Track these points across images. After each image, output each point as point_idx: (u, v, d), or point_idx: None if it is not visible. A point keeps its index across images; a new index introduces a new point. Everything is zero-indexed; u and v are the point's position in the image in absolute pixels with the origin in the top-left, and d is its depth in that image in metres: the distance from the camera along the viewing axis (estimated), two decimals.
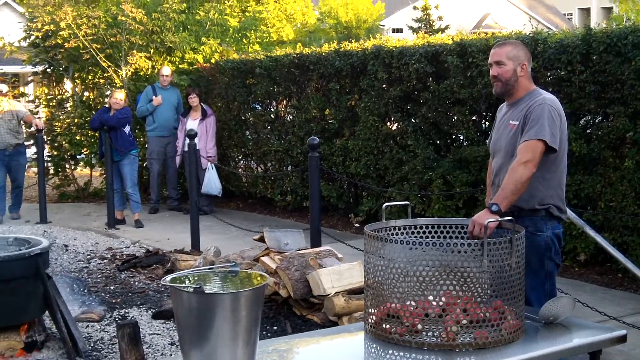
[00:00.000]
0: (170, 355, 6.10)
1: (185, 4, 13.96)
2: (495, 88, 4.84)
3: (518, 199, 4.47)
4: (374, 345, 3.79)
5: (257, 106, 13.46)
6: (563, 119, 4.63)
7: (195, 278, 3.62)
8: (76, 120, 14.23)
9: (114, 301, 7.71)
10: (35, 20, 14.11)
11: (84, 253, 9.92)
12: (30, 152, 13.32)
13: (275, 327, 6.81)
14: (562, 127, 4.61)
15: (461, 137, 9.99)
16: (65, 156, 14.56)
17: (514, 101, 4.77)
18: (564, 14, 54.84)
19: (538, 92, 4.73)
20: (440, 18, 32.62)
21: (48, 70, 15.06)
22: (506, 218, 4.06)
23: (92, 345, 6.34)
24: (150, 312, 7.29)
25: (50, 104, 14.95)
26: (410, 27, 33.28)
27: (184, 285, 3.51)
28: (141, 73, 13.90)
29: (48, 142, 14.24)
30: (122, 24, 13.34)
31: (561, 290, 4.94)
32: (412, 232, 4.37)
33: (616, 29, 8.00)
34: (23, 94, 16.76)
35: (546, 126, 4.48)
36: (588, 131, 8.43)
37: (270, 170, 13.39)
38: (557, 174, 4.65)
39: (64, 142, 14.22)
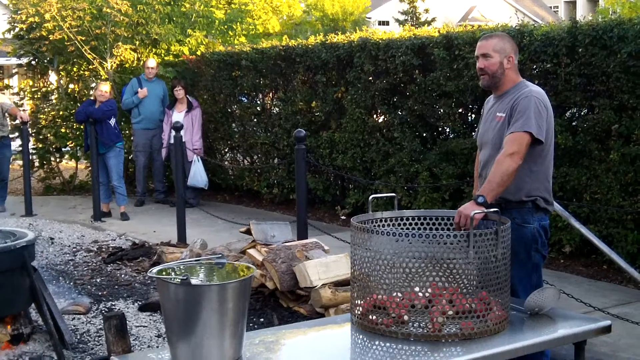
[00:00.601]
0: (157, 347, 6.10)
1: None
2: (482, 81, 4.85)
3: (505, 191, 4.49)
4: (361, 336, 3.80)
5: (244, 98, 13.44)
6: (550, 111, 4.64)
7: (182, 270, 3.62)
8: (61, 112, 14.18)
9: (100, 294, 7.70)
10: (19, 12, 14.05)
11: (69, 246, 9.90)
12: (15, 144, 13.28)
13: (262, 319, 6.82)
14: (549, 120, 4.62)
15: (447, 130, 10.00)
16: (51, 149, 14.51)
17: (500, 93, 4.79)
18: (550, 7, 54.98)
19: (525, 84, 4.74)
20: (426, 11, 32.70)
21: (33, 62, 14.99)
22: (492, 210, 4.07)
23: (78, 337, 6.33)
24: (136, 304, 7.29)
25: (35, 96, 14.89)
26: (397, 20, 33.34)
27: (170, 277, 3.51)
28: (126, 65, 13.87)
29: (33, 134, 14.19)
30: (107, 15, 13.29)
31: (546, 282, 4.96)
32: (399, 224, 4.39)
33: (602, 21, 8.02)
34: (8, 87, 16.67)
35: (532, 118, 4.49)
36: (574, 124, 8.45)
37: (256, 162, 13.38)
38: (543, 166, 4.67)
39: (49, 135, 14.17)
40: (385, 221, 4.36)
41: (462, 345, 3.60)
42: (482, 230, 3.80)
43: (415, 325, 3.73)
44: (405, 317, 3.74)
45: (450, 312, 3.71)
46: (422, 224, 4.41)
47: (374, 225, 4.23)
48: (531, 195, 4.62)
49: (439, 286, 3.78)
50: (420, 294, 3.77)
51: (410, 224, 4.40)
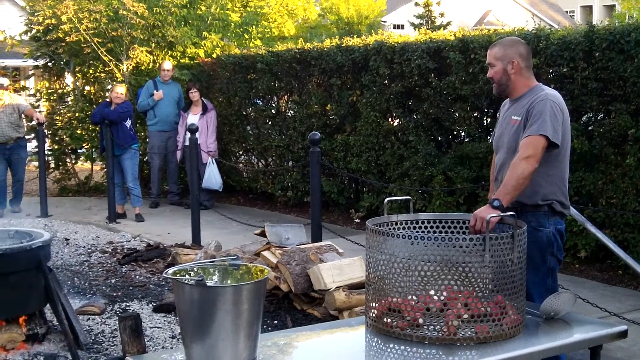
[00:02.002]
0: (171, 348, 6.11)
1: None
2: (494, 89, 4.90)
3: (521, 195, 4.47)
4: (375, 339, 3.79)
5: (259, 101, 13.45)
6: (566, 115, 4.63)
7: (197, 271, 3.62)
8: (77, 114, 14.21)
9: (114, 294, 7.72)
10: (36, 13, 14.10)
11: (84, 247, 9.93)
12: (31, 145, 13.32)
13: (275, 321, 6.82)
14: (565, 123, 4.61)
15: (462, 134, 9.98)
16: (66, 150, 14.55)
17: (516, 97, 4.78)
18: (566, 12, 54.79)
19: (540, 87, 4.73)
20: (441, 14, 32.59)
21: (49, 64, 15.02)
22: (508, 213, 4.06)
23: (93, 338, 6.35)
24: (151, 305, 7.30)
25: (51, 97, 14.93)
26: (412, 24, 33.23)
27: (185, 278, 3.51)
28: (142, 67, 13.89)
29: (49, 136, 14.23)
30: (123, 18, 13.32)
31: (562, 287, 4.94)
32: (414, 227, 4.38)
33: (619, 26, 7.99)
34: (24, 88, 16.74)
35: (548, 122, 4.47)
36: (590, 128, 8.42)
37: (271, 165, 13.39)
38: (559, 170, 4.65)
39: (64, 136, 14.21)
40: (401, 224, 4.36)
41: (477, 349, 3.59)
42: (498, 234, 3.79)
43: (430, 328, 3.72)
44: (420, 320, 3.73)
45: (466, 316, 3.70)
46: (437, 227, 4.39)
47: (389, 228, 4.22)
48: (547, 198, 4.61)
49: (454, 290, 3.77)
50: (436, 297, 3.75)
51: (426, 227, 4.39)
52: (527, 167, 4.41)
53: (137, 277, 8.41)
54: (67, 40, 13.43)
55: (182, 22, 14.01)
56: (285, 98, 13.08)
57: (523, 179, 4.40)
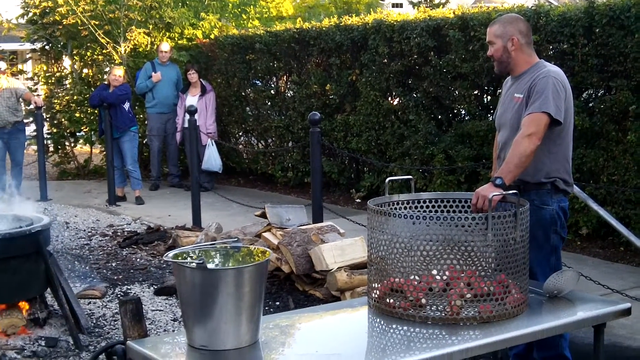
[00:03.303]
0: (173, 331, 6.10)
1: None
2: (495, 67, 4.87)
3: (524, 173, 4.44)
4: (378, 320, 3.77)
5: (257, 82, 13.41)
6: (568, 92, 4.59)
7: (197, 254, 3.60)
8: (75, 97, 14.18)
9: (115, 278, 7.71)
10: None
11: (85, 230, 9.92)
12: (30, 129, 13.28)
13: (277, 303, 6.81)
14: (568, 100, 4.57)
15: (463, 112, 9.96)
16: (65, 133, 14.53)
17: (517, 75, 4.73)
18: None
19: (542, 64, 4.68)
20: None
21: (46, 47, 14.99)
22: (510, 192, 4.02)
23: (94, 322, 6.34)
24: (152, 288, 7.29)
25: (49, 81, 14.91)
26: (411, 2, 32.98)
27: (186, 261, 3.48)
28: (140, 49, 13.84)
29: (47, 119, 14.21)
30: (120, 0, 13.26)
31: (564, 264, 4.92)
32: (416, 207, 4.34)
33: (619, 1, 7.94)
34: (22, 72, 16.67)
35: (550, 99, 4.43)
36: (590, 105, 8.40)
37: (270, 146, 13.36)
38: (562, 147, 4.61)
39: (63, 120, 14.19)
40: (402, 204, 4.32)
41: (481, 329, 3.57)
42: (500, 212, 3.76)
43: (433, 308, 3.70)
44: (423, 301, 3.70)
45: (469, 295, 3.67)
46: (439, 206, 4.36)
47: (391, 208, 4.19)
48: (550, 176, 4.57)
49: (456, 269, 3.74)
50: (438, 277, 3.73)
51: (427, 207, 4.35)
52: (529, 144, 4.37)
53: (138, 260, 8.40)
54: (64, 23, 13.40)
55: (180, 3, 13.97)
56: (285, 78, 13.05)
57: (525, 156, 4.37)
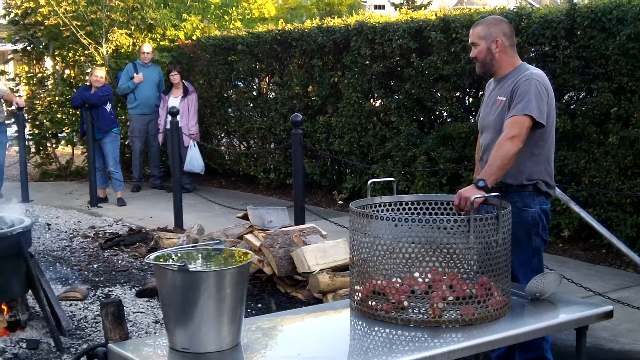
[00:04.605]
0: (155, 333, 6.08)
1: None
2: (477, 68, 4.86)
3: (506, 175, 4.45)
4: (360, 322, 3.76)
5: (240, 83, 13.40)
6: (550, 94, 4.60)
7: (179, 256, 3.59)
8: (57, 98, 14.12)
9: (97, 280, 7.67)
10: None
11: (66, 232, 9.87)
12: (11, 130, 13.21)
13: (259, 305, 6.80)
14: (550, 102, 4.57)
15: (445, 114, 9.98)
16: (47, 134, 14.47)
17: (500, 77, 4.74)
18: None
19: (525, 67, 4.69)
20: None
21: (28, 48, 14.93)
22: (492, 194, 4.03)
23: (75, 323, 6.30)
24: (133, 290, 7.26)
25: (31, 82, 14.85)
26: (392, 3, 33.10)
27: (168, 263, 3.47)
28: (122, 50, 13.81)
29: (29, 120, 14.13)
30: (102, 0, 13.25)
31: (546, 266, 4.93)
32: (398, 209, 4.34)
33: (600, 4, 7.98)
34: (3, 72, 16.59)
35: (533, 101, 4.44)
36: (572, 107, 8.43)
37: (253, 147, 13.35)
38: (545, 150, 4.62)
39: (45, 121, 14.12)
40: (384, 206, 4.32)
41: (463, 331, 3.57)
42: (482, 215, 3.76)
43: (415, 311, 3.70)
44: (405, 303, 3.70)
45: (451, 298, 3.67)
46: (421, 208, 4.36)
47: (373, 210, 4.19)
48: (532, 178, 4.58)
49: (439, 271, 3.74)
50: (420, 280, 3.73)
51: (410, 209, 4.35)
52: (512, 147, 4.38)
53: (120, 261, 8.37)
54: (46, 23, 13.36)
55: (162, 4, 13.93)
56: (267, 80, 13.04)
57: (508, 159, 4.38)
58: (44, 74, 15.08)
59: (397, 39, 9.80)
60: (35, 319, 6.14)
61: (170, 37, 14.08)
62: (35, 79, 14.84)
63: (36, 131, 14.43)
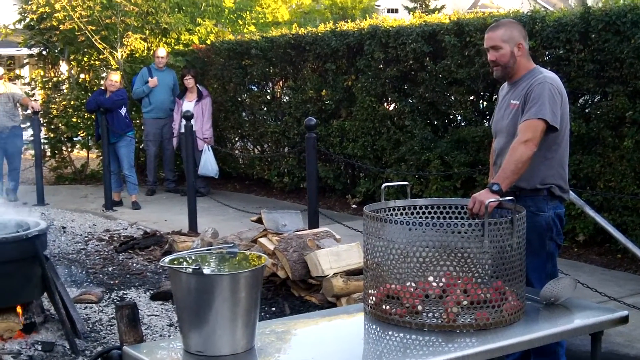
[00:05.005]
0: (169, 336, 6.09)
1: None
2: (495, 72, 4.78)
3: (519, 179, 4.44)
4: (374, 326, 3.77)
5: (254, 87, 13.41)
6: (564, 98, 4.59)
7: (193, 259, 3.60)
8: (72, 102, 14.17)
9: (112, 282, 7.70)
10: (30, 2, 14.04)
11: (81, 235, 9.91)
12: (27, 134, 13.28)
13: (273, 308, 6.80)
14: (564, 106, 4.57)
15: (459, 117, 9.95)
16: (62, 138, 14.52)
17: (514, 81, 4.72)
18: None
19: (538, 70, 4.68)
20: None
21: (44, 52, 15.00)
22: (507, 198, 4.02)
23: (90, 326, 6.33)
24: (148, 293, 7.28)
25: (46, 86, 14.89)
26: (406, 7, 33.11)
27: (182, 266, 3.48)
28: (137, 55, 13.85)
29: (44, 124, 14.19)
30: (117, 5, 13.28)
31: (560, 271, 4.92)
32: (412, 213, 4.34)
33: (615, 7, 7.95)
34: (19, 77, 16.67)
35: (547, 105, 4.44)
36: (587, 110, 8.40)
37: (267, 151, 13.35)
38: (558, 153, 4.61)
39: (60, 124, 14.18)
40: (398, 210, 4.32)
41: (477, 336, 3.57)
42: (497, 219, 3.75)
43: (429, 315, 3.70)
44: (419, 307, 3.70)
45: (465, 302, 3.67)
46: (435, 212, 4.35)
47: (387, 214, 4.19)
48: (546, 182, 4.57)
49: (453, 276, 3.74)
50: (434, 284, 3.73)
51: (424, 213, 4.35)
52: (525, 151, 4.38)
53: (134, 264, 8.39)
54: (61, 28, 13.40)
55: (176, 9, 13.97)
56: (280, 84, 13.04)
57: (522, 163, 4.37)
58: (59, 78, 15.14)
59: (410, 43, 9.79)
60: (51, 321, 6.16)
61: (184, 42, 14.11)
62: (50, 83, 14.89)
63: (51, 135, 14.49)
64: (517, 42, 4.67)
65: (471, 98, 9.64)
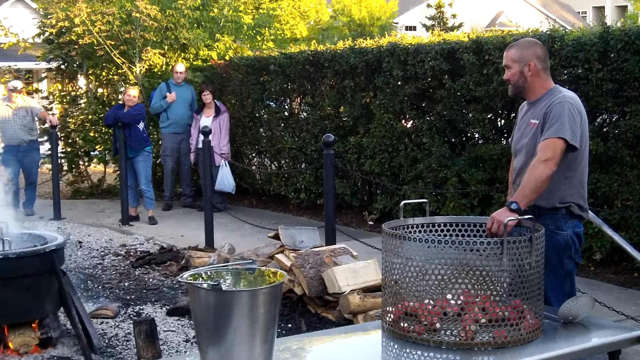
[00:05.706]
0: (186, 352, 6.09)
1: (199, 1, 13.94)
2: (509, 90, 4.88)
3: (539, 198, 4.44)
4: (392, 344, 3.76)
5: (271, 103, 13.44)
6: (584, 117, 4.59)
7: (209, 275, 3.60)
8: (90, 116, 14.24)
9: (128, 298, 7.71)
10: (49, 16, 14.11)
11: (98, 249, 9.93)
12: (44, 148, 13.34)
13: (289, 325, 6.79)
14: (583, 125, 4.57)
15: (477, 135, 9.94)
16: (79, 152, 14.58)
17: (534, 100, 4.74)
18: (578, 12, 54.65)
19: (558, 89, 4.69)
20: (454, 16, 32.54)
21: (62, 66, 15.06)
22: (526, 217, 4.02)
23: (106, 341, 6.33)
24: (164, 308, 7.28)
25: (64, 100, 14.98)
26: (424, 25, 33.18)
27: (201, 282, 3.49)
28: (155, 70, 13.90)
29: (62, 138, 14.24)
30: (136, 20, 13.33)
31: (578, 290, 4.90)
32: (430, 230, 4.34)
33: (634, 26, 7.94)
34: (37, 90, 16.78)
35: (566, 124, 4.44)
36: (605, 129, 8.38)
37: (284, 167, 13.37)
38: (578, 172, 4.61)
39: (77, 139, 14.24)
40: (417, 227, 4.32)
41: (495, 354, 3.56)
42: (516, 237, 3.75)
43: (447, 333, 3.69)
44: (437, 325, 3.70)
45: (483, 320, 3.67)
46: (453, 230, 4.35)
47: (405, 231, 4.19)
48: (565, 201, 4.57)
49: (471, 294, 3.73)
50: (453, 302, 3.72)
51: (442, 231, 4.35)
52: (545, 169, 4.37)
53: (151, 280, 8.40)
54: (80, 42, 13.45)
55: (195, 25, 14.01)
56: (298, 100, 13.07)
57: (541, 182, 4.37)
58: (78, 93, 15.22)
59: (429, 61, 9.80)
60: (67, 336, 6.18)
61: (203, 57, 14.16)
62: (68, 97, 14.98)
63: (69, 149, 14.55)
64: (527, 61, 4.69)
65: (489, 116, 9.64)
